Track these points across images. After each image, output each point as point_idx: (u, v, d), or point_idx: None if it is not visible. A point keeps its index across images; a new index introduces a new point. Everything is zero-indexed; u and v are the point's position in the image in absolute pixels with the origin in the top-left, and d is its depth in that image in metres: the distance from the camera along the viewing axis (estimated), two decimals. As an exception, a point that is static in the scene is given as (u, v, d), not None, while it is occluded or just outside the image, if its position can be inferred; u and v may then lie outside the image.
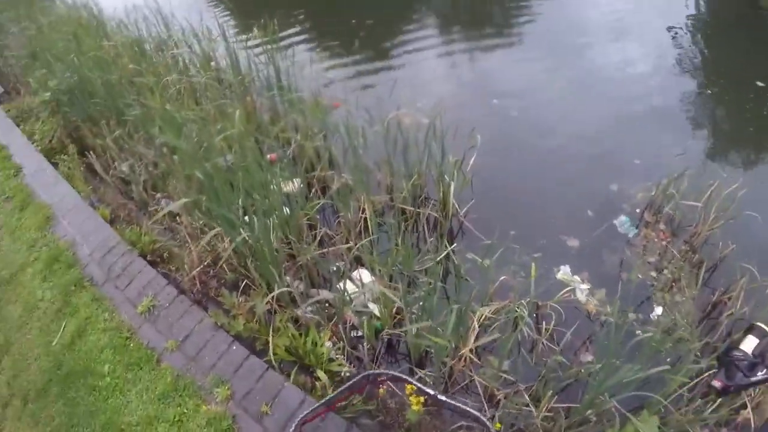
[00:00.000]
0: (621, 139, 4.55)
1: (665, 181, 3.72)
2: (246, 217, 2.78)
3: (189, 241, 3.07)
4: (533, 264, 2.83)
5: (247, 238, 2.72)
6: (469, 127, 3.65)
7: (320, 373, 2.49)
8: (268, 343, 2.61)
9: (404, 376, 2.03)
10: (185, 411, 2.57)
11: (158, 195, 3.75)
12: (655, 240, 3.73)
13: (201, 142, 3.21)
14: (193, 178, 3.08)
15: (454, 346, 2.64)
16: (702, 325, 3.13)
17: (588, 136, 4.60)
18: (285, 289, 2.60)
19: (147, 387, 2.70)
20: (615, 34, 6.36)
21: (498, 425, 2.36)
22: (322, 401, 1.81)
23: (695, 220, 3.63)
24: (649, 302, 3.31)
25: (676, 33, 6.50)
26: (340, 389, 1.82)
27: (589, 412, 2.45)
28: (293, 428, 1.72)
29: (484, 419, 1.72)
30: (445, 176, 3.30)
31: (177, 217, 3.40)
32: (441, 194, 3.40)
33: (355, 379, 1.81)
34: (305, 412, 1.78)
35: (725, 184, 3.49)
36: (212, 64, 4.66)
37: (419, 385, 1.93)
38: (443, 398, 1.81)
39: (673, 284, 3.46)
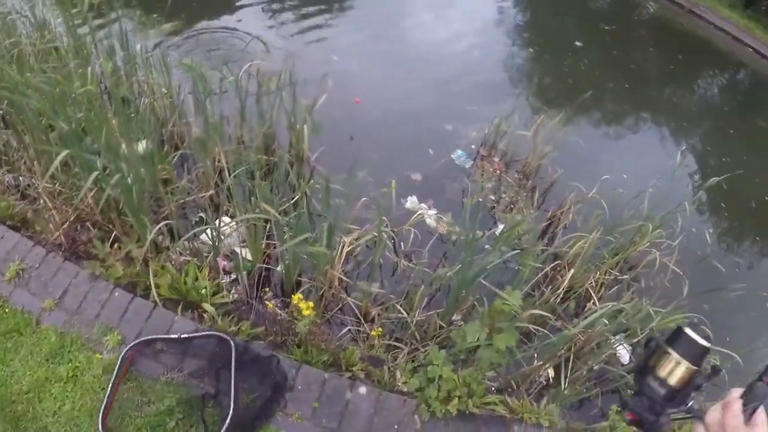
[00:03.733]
0: (457, 90, 5.18)
1: (497, 119, 4.27)
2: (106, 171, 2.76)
3: (47, 201, 2.95)
4: (393, 183, 3.22)
5: (110, 192, 2.72)
6: (315, 79, 3.88)
7: (207, 306, 2.62)
8: (148, 286, 2.64)
9: (151, 337, 2.42)
10: (78, 365, 2.52)
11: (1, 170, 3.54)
12: (490, 170, 4.28)
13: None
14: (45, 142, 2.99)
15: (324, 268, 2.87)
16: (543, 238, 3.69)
17: (426, 87, 5.17)
18: (163, 223, 2.70)
19: (31, 351, 2.58)
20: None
21: (378, 330, 2.69)
22: (109, 390, 2.11)
23: (525, 154, 4.23)
24: (494, 223, 3.85)
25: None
26: (114, 377, 2.14)
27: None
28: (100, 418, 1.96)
29: (225, 336, 2.13)
30: (297, 124, 3.51)
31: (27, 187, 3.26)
32: (294, 141, 3.63)
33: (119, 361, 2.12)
34: (102, 406, 2.08)
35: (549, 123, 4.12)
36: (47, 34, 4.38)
37: (162, 337, 2.31)
38: (186, 335, 2.23)
39: (512, 206, 4.02)
